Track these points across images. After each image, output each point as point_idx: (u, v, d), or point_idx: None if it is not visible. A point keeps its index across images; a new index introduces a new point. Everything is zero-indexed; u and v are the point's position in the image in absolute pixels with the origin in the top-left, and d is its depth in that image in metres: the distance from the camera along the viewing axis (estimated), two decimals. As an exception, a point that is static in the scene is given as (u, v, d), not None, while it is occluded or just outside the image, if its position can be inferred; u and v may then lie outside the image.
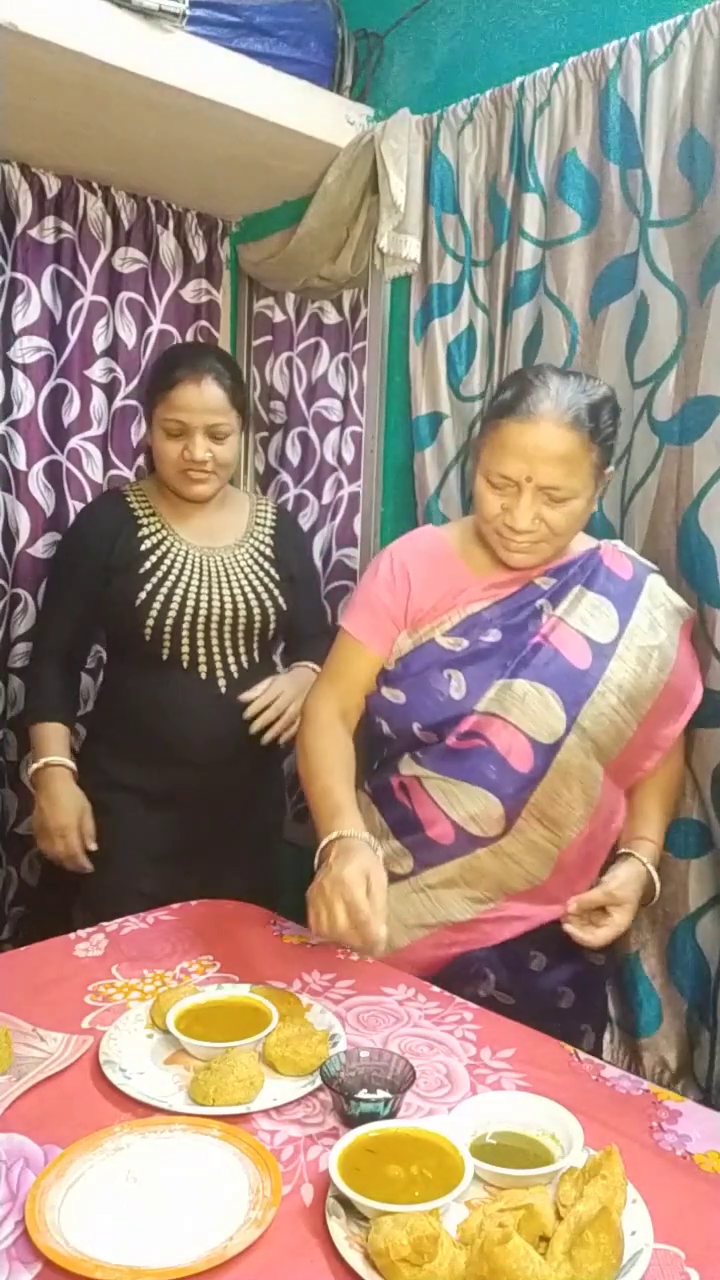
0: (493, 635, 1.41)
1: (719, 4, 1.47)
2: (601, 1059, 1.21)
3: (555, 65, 1.68)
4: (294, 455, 2.46)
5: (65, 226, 2.17)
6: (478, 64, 1.88)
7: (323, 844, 1.28)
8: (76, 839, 1.74)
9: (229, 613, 1.80)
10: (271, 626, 1.86)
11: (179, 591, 1.77)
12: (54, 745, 1.78)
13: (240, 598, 1.82)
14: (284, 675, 1.88)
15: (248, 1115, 1.01)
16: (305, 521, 2.46)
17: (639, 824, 1.46)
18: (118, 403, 2.30)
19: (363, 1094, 1.01)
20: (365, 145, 1.97)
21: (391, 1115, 1.00)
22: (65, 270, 2.18)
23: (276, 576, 1.88)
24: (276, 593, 1.87)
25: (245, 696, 1.79)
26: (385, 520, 2.19)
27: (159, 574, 1.77)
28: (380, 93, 2.08)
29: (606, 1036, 1.67)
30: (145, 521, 1.82)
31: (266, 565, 1.88)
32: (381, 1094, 1.01)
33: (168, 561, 1.79)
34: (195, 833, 1.83)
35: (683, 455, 1.54)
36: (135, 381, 2.32)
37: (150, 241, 2.31)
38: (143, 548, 1.79)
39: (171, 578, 1.78)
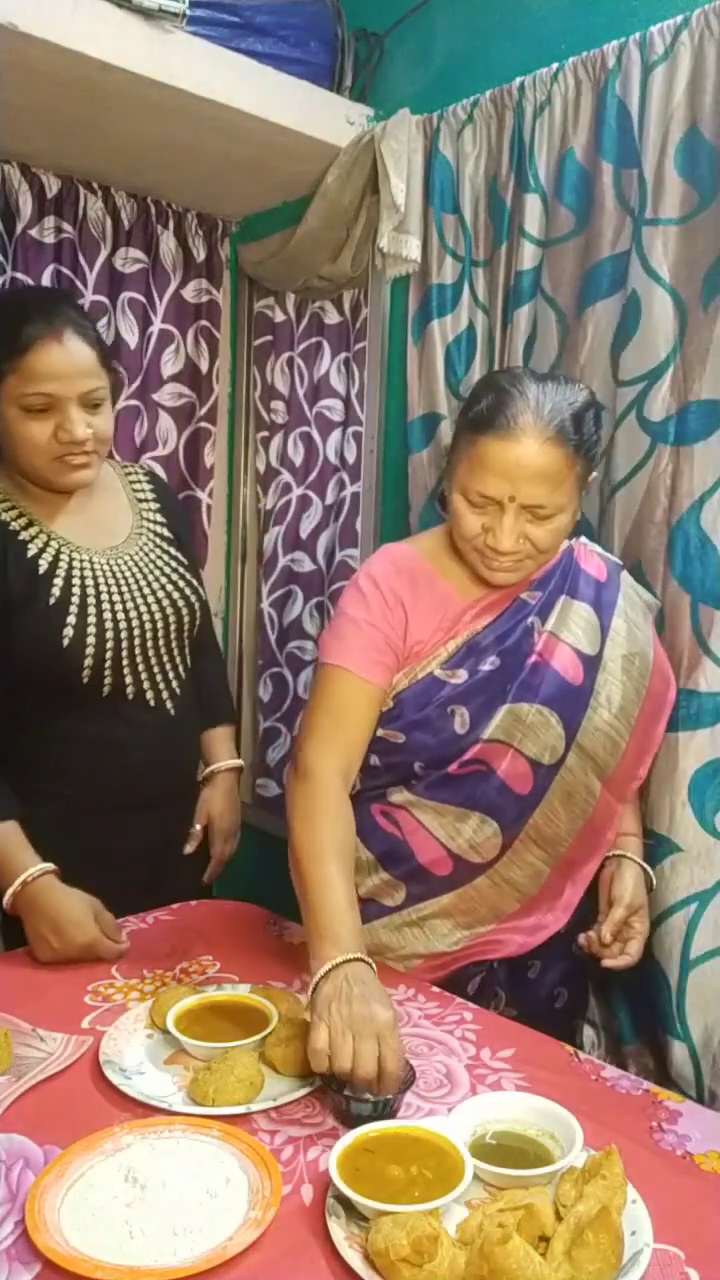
0: (491, 662, 1.35)
1: (719, 4, 1.47)
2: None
3: (555, 65, 1.68)
4: (296, 455, 2.46)
5: (65, 226, 2.16)
6: (478, 64, 1.87)
7: (335, 961, 1.09)
8: (110, 947, 1.36)
9: (159, 622, 1.55)
10: (197, 623, 1.63)
11: (108, 620, 1.47)
12: (19, 853, 1.38)
13: (166, 599, 1.57)
14: (217, 800, 1.70)
15: (248, 1115, 1.01)
16: (309, 522, 2.46)
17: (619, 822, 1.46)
18: (121, 403, 2.30)
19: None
20: (365, 145, 1.97)
21: (391, 1115, 1.00)
22: (66, 270, 2.17)
23: (184, 560, 1.64)
24: (192, 580, 1.63)
25: (188, 851, 1.67)
26: (384, 520, 2.19)
27: (75, 603, 1.45)
28: (380, 93, 2.08)
29: (592, 1041, 1.67)
30: (25, 535, 1.47)
31: (170, 549, 1.63)
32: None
33: (77, 584, 1.47)
34: (155, 852, 1.61)
35: (679, 456, 1.54)
36: (139, 381, 2.31)
37: (150, 241, 2.31)
38: (41, 571, 1.45)
39: (92, 605, 1.47)
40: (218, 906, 1.58)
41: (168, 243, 2.34)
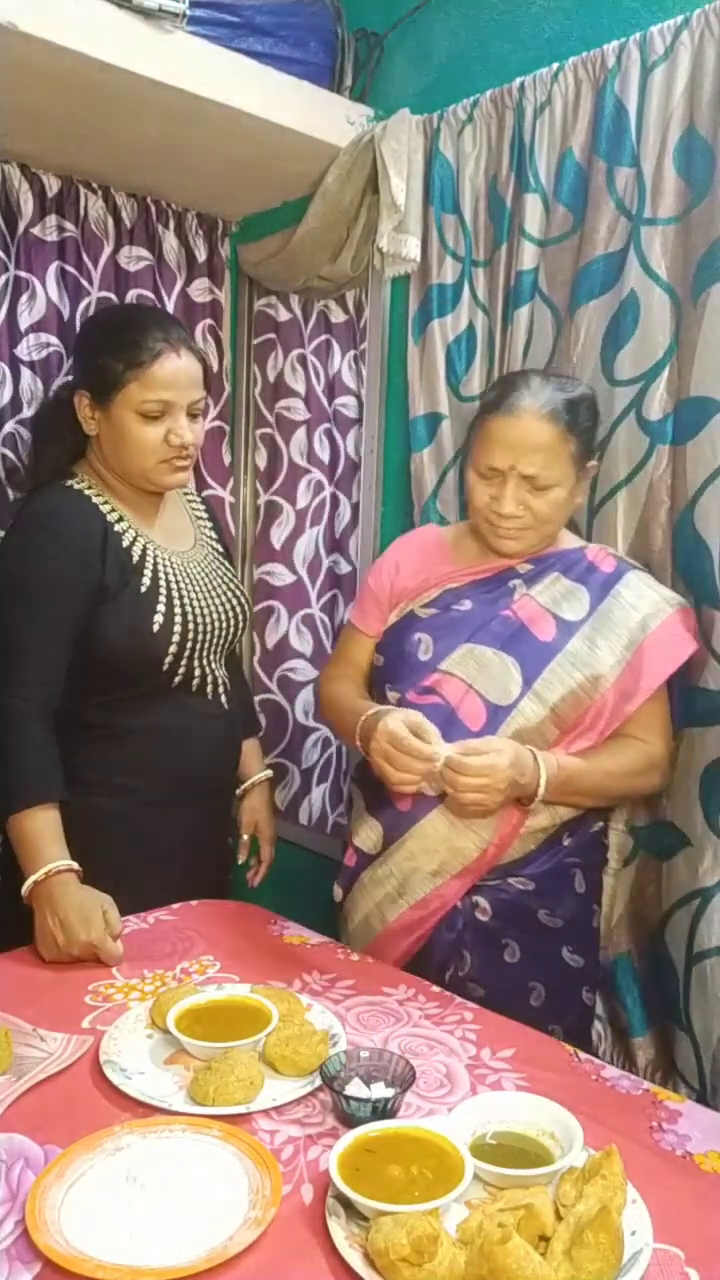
0: (465, 605, 1.51)
1: (719, 4, 1.47)
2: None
3: (556, 65, 1.68)
4: (323, 453, 2.47)
5: (68, 225, 2.16)
6: (478, 64, 1.87)
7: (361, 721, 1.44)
8: (112, 950, 1.34)
9: (219, 624, 1.67)
10: (242, 632, 1.77)
11: (190, 610, 1.60)
12: (51, 845, 1.40)
13: (226, 605, 1.70)
14: (261, 810, 1.87)
15: (248, 1115, 1.01)
16: (339, 522, 2.45)
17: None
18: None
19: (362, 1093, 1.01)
20: (365, 145, 1.96)
21: (391, 1115, 1.00)
22: (70, 268, 2.17)
23: (236, 572, 1.80)
24: (245, 592, 1.78)
25: (241, 861, 1.86)
26: (385, 520, 2.19)
27: (163, 593, 1.58)
28: (380, 93, 2.08)
29: (599, 1033, 1.67)
30: (119, 527, 1.58)
31: (224, 561, 1.78)
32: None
33: (162, 575, 1.59)
34: (196, 844, 1.71)
35: (676, 455, 1.55)
36: None
37: (152, 241, 2.31)
38: (134, 560, 1.57)
39: (176, 595, 1.59)
40: (218, 906, 1.58)
41: (169, 243, 2.34)
